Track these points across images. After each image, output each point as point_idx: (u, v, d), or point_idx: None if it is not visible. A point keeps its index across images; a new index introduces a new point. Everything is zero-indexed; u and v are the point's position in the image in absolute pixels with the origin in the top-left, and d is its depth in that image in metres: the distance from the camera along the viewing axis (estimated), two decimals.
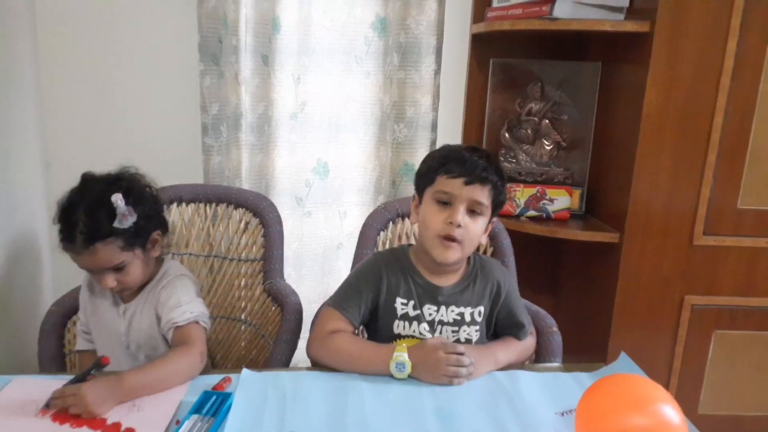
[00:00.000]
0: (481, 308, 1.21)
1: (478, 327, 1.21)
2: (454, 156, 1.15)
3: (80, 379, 0.98)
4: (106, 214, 1.10)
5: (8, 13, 1.66)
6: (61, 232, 1.12)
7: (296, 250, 2.07)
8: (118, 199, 1.11)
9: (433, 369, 1.07)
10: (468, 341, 1.20)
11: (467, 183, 1.11)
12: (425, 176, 1.18)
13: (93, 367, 1.00)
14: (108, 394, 0.96)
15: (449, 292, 1.19)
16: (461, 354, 1.08)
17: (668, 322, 1.79)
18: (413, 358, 1.08)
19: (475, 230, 1.14)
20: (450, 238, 1.12)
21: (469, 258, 1.24)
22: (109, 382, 0.97)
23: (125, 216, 1.11)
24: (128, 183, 1.17)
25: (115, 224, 1.11)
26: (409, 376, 1.09)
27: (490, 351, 1.16)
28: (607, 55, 1.89)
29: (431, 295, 1.19)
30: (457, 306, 1.19)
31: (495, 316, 1.24)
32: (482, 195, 1.13)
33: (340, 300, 1.20)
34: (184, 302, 1.18)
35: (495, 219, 1.21)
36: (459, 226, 1.11)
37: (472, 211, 1.13)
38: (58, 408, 0.94)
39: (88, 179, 1.16)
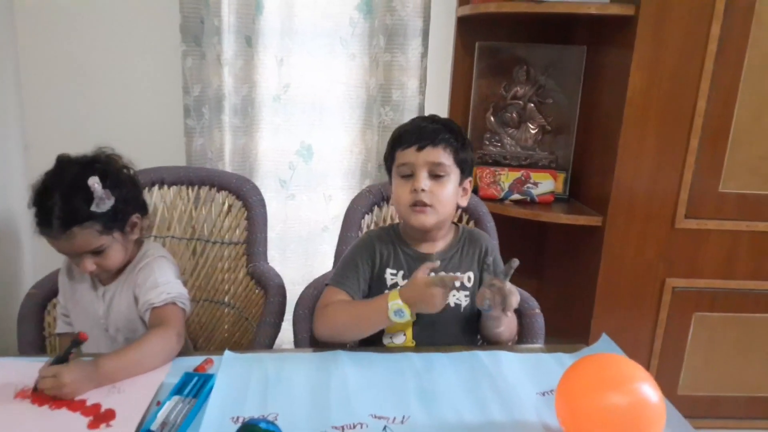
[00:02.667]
0: (470, 273, 1.23)
1: (467, 292, 1.22)
2: (405, 128, 1.19)
3: (61, 358, 0.97)
4: (83, 198, 1.08)
5: None
6: (37, 216, 1.09)
7: (280, 232, 2.06)
8: (95, 182, 1.08)
9: (431, 301, 1.08)
10: (458, 306, 1.21)
11: (420, 148, 1.14)
12: (388, 157, 1.22)
13: (72, 344, 0.99)
14: (85, 377, 0.95)
15: (438, 258, 1.19)
16: (454, 279, 1.09)
17: (650, 305, 1.81)
18: (409, 300, 1.09)
19: (444, 192, 1.15)
20: (419, 204, 1.14)
21: (457, 228, 1.26)
22: (86, 366, 0.96)
23: (102, 200, 1.09)
24: (105, 165, 1.14)
25: (93, 208, 1.08)
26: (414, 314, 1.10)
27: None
28: (593, 39, 1.89)
29: (421, 262, 1.19)
30: (447, 272, 1.20)
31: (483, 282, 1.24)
32: (438, 156, 1.14)
33: (338, 277, 1.22)
34: (161, 283, 1.16)
35: (469, 179, 1.22)
36: (423, 190, 1.13)
37: (436, 175, 1.15)
38: (42, 387, 0.93)
39: (63, 162, 1.13)
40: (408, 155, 1.15)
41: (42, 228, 1.09)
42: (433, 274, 1.13)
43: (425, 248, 1.22)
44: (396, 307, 1.09)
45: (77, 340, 0.99)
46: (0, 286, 1.66)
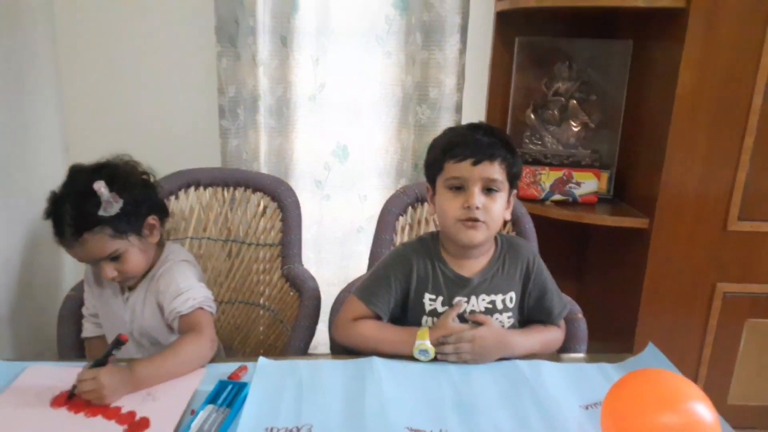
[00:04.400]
0: (512, 294, 1.18)
1: (510, 314, 1.18)
2: (457, 139, 1.12)
3: (101, 361, 0.97)
4: (92, 204, 1.08)
5: None
6: (53, 227, 1.11)
7: (315, 233, 2.05)
8: (101, 186, 1.08)
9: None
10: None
11: (475, 163, 1.08)
12: (433, 166, 1.16)
13: (112, 346, 0.99)
14: (120, 383, 0.95)
15: (479, 281, 1.16)
16: (448, 335, 1.09)
17: (699, 311, 1.74)
18: (434, 342, 1.09)
19: (495, 208, 1.11)
20: (471, 220, 1.09)
21: (496, 239, 1.20)
22: (122, 371, 0.96)
23: (110, 203, 1.09)
24: (113, 170, 1.14)
25: (100, 212, 1.08)
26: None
27: (502, 335, 1.13)
28: (639, 33, 1.81)
29: (461, 286, 1.16)
30: (488, 294, 1.16)
31: (527, 298, 1.20)
32: (494, 171, 1.09)
33: (369, 294, 1.18)
34: (184, 289, 1.15)
35: (515, 192, 1.17)
36: (477, 208, 1.09)
37: (489, 189, 1.10)
38: (80, 391, 0.93)
39: (74, 171, 1.14)
40: (462, 169, 1.09)
41: (58, 237, 1.10)
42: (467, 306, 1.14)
43: (466, 267, 1.17)
44: (422, 347, 1.09)
45: (119, 341, 0.99)
46: (42, 288, 1.69)
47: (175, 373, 1.01)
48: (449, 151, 1.11)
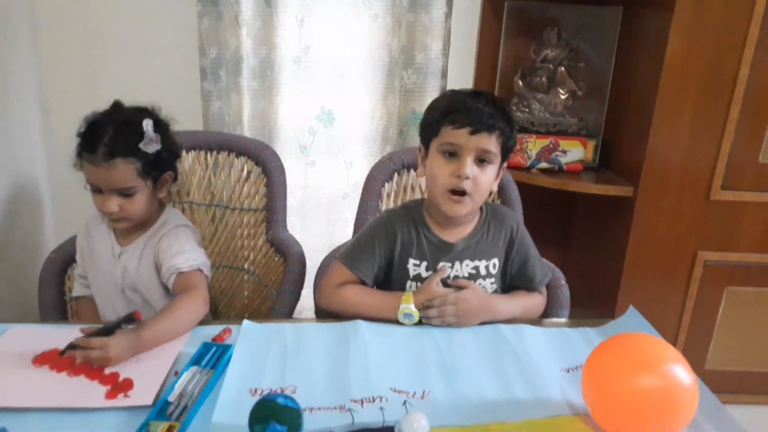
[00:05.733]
0: (496, 260, 1.19)
1: (493, 279, 1.19)
2: (459, 105, 1.10)
3: (109, 330, 0.97)
4: (134, 134, 1.12)
5: None
6: (82, 144, 1.13)
7: (300, 199, 2.04)
8: (148, 124, 1.13)
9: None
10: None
11: (473, 132, 1.07)
12: (429, 127, 1.13)
13: (124, 320, 0.98)
14: (128, 348, 0.95)
15: (463, 246, 1.16)
16: (432, 299, 1.10)
17: (680, 278, 1.76)
18: (419, 306, 1.10)
19: (484, 180, 1.10)
20: (458, 192, 1.09)
21: (481, 207, 1.20)
22: (129, 336, 0.96)
23: (152, 141, 1.13)
24: (156, 115, 1.19)
25: (141, 146, 1.12)
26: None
27: (486, 299, 1.14)
28: None
29: (445, 251, 1.16)
30: (472, 260, 1.17)
31: (509, 265, 1.21)
32: (490, 143, 1.08)
33: (352, 258, 1.18)
34: (186, 250, 1.18)
35: (505, 165, 1.17)
36: (467, 178, 1.07)
37: (481, 160, 1.09)
38: (80, 357, 0.93)
39: (119, 105, 1.19)
40: (458, 136, 1.08)
41: (86, 153, 1.12)
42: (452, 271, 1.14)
43: (450, 233, 1.17)
44: (407, 311, 1.09)
45: (131, 317, 0.98)
46: (21, 251, 1.67)
47: (175, 333, 1.02)
48: (448, 115, 1.09)
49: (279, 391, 0.88)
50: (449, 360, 0.99)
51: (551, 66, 1.90)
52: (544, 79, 1.91)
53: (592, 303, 1.86)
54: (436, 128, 1.11)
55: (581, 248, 2.09)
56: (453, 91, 1.17)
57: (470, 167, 1.08)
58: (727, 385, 1.85)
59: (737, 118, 1.60)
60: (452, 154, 1.09)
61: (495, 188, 1.19)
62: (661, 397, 0.79)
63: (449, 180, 1.09)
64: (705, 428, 0.84)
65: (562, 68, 1.90)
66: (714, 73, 1.57)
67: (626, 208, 1.72)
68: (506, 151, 1.12)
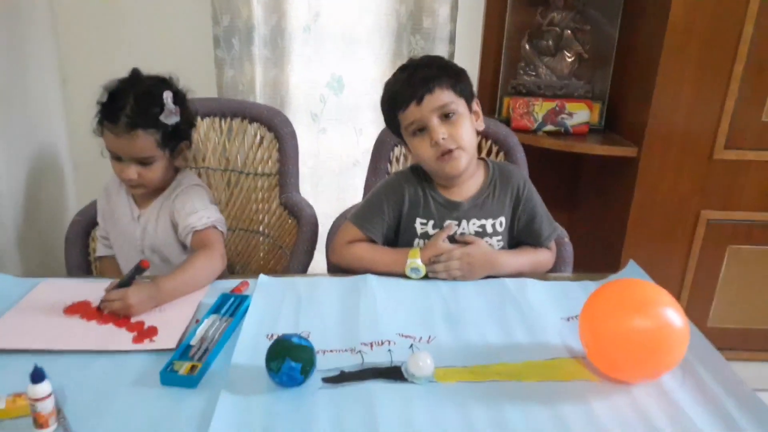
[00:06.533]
0: (503, 218, 1.22)
1: (500, 237, 1.22)
2: (394, 88, 1.16)
3: (125, 283, 1.03)
4: (155, 105, 1.16)
5: None
6: (104, 112, 1.17)
7: (312, 167, 2.08)
8: (169, 96, 1.17)
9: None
10: None
11: (419, 102, 1.11)
12: (391, 124, 1.20)
13: (134, 271, 1.05)
14: (148, 297, 1.01)
15: (469, 206, 1.20)
16: (439, 254, 1.15)
17: (682, 237, 1.79)
18: (425, 261, 1.14)
19: (462, 130, 1.13)
20: (445, 153, 1.12)
21: (487, 166, 1.24)
22: (149, 287, 1.02)
23: (172, 113, 1.17)
24: (176, 87, 1.23)
25: (161, 117, 1.16)
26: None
27: (490, 253, 1.18)
28: None
29: (451, 210, 1.20)
30: (478, 218, 1.20)
31: (516, 222, 1.24)
32: (440, 98, 1.11)
33: (362, 219, 1.23)
34: (200, 208, 1.23)
35: (475, 101, 1.19)
36: (443, 138, 1.11)
37: (446, 115, 1.12)
38: (106, 310, 0.99)
39: (138, 73, 1.22)
40: (411, 113, 1.12)
41: (108, 123, 1.16)
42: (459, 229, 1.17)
43: (456, 192, 1.21)
44: (414, 265, 1.14)
45: (140, 267, 1.04)
46: (47, 213, 1.74)
47: (194, 286, 1.08)
48: (392, 103, 1.15)
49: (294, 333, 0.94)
50: (454, 309, 1.04)
51: (558, 29, 1.91)
52: (550, 43, 1.93)
53: (596, 263, 1.90)
54: (395, 120, 1.17)
55: (588, 209, 2.12)
56: (386, 82, 1.20)
57: (440, 130, 1.11)
58: (729, 341, 1.89)
59: (740, 77, 1.60)
60: (422, 129, 1.13)
61: (480, 127, 1.20)
62: (653, 338, 0.82)
63: (432, 151, 1.13)
64: (696, 368, 0.88)
65: (569, 31, 1.91)
66: (718, 32, 1.57)
67: (630, 169, 1.75)
68: (463, 93, 1.14)
